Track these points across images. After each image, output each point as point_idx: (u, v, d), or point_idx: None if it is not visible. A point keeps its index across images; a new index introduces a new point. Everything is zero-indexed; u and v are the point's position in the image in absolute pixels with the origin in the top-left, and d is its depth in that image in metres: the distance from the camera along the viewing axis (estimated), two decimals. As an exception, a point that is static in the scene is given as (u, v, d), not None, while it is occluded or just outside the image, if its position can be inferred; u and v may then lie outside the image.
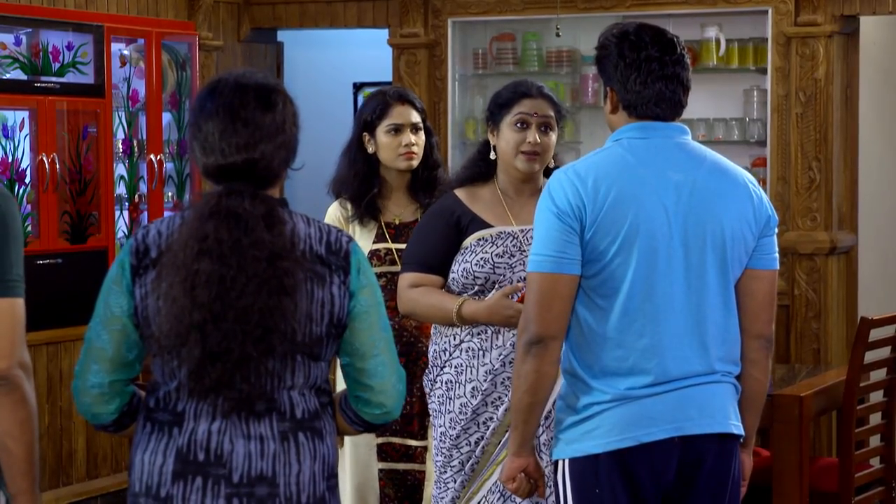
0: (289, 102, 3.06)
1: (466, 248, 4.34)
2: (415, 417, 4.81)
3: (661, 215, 3.41)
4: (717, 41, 7.69)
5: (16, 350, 3.02)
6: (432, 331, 4.46)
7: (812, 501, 5.68)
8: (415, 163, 4.86)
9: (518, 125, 4.32)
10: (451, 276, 4.35)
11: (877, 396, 6.01)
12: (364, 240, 4.83)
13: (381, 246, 4.83)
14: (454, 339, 4.37)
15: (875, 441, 6.03)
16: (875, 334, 5.74)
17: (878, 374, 5.91)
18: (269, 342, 2.94)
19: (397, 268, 4.76)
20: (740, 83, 7.81)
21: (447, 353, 4.39)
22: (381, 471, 4.84)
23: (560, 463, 3.48)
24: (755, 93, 7.72)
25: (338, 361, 3.18)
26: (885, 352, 5.87)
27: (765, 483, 5.62)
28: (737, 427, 3.51)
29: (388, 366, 3.09)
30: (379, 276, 4.74)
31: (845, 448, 5.69)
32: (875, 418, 6.03)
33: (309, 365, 3.03)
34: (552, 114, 4.34)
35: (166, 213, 7.38)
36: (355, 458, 4.85)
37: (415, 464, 4.84)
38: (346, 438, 4.80)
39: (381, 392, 3.09)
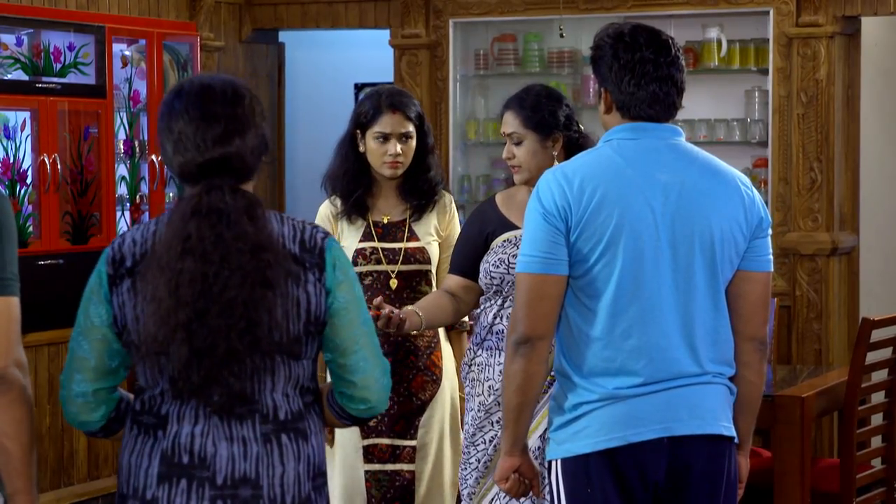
0: (254, 97, 3.08)
1: (492, 250, 4.43)
2: (401, 418, 4.80)
3: (647, 216, 3.40)
4: (719, 42, 7.69)
5: (11, 348, 3.02)
6: (478, 310, 4.53)
7: (813, 502, 5.68)
8: (399, 172, 4.85)
9: (506, 142, 4.48)
10: (480, 275, 4.46)
11: (878, 397, 6.00)
12: (351, 238, 4.84)
13: (367, 245, 4.83)
14: (482, 332, 4.45)
15: (876, 442, 6.03)
16: (876, 335, 5.73)
17: (880, 375, 5.90)
18: (253, 335, 2.94)
19: (383, 266, 4.79)
20: (742, 84, 7.80)
21: (472, 352, 4.50)
22: (367, 472, 4.83)
23: (553, 464, 3.48)
24: (756, 93, 7.72)
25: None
26: (886, 352, 5.87)
27: (766, 484, 5.62)
28: (727, 429, 3.48)
29: (370, 360, 3.09)
30: (365, 274, 4.76)
31: (847, 449, 5.69)
32: (876, 419, 6.03)
33: (290, 364, 3.03)
34: (517, 129, 4.41)
35: (167, 214, 7.38)
36: (343, 460, 4.84)
37: (403, 464, 4.83)
38: (336, 440, 4.81)
39: (364, 387, 3.09)
